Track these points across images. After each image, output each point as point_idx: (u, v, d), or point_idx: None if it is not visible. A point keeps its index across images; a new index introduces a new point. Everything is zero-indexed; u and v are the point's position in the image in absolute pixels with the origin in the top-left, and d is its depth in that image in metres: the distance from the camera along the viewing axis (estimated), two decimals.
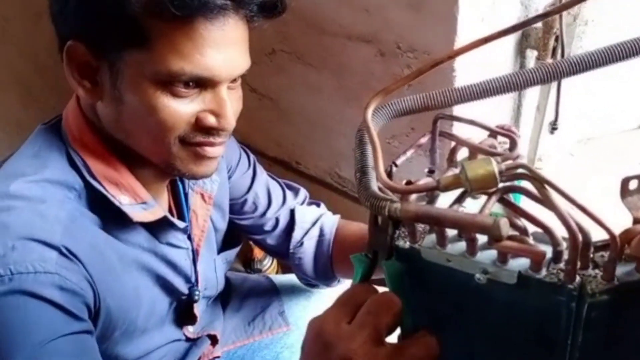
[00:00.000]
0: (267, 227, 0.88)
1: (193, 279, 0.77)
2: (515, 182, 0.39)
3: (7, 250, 0.54)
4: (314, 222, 0.89)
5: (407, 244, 0.40)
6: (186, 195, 0.75)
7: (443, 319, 0.43)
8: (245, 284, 1.01)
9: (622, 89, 1.12)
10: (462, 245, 0.37)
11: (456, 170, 0.43)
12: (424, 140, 0.48)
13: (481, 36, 0.43)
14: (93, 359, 0.60)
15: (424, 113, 0.47)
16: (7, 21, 1.76)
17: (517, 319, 0.39)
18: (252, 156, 0.89)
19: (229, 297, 0.98)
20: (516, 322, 0.39)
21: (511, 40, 0.94)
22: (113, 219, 0.63)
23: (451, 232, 0.38)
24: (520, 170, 0.36)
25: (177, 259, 0.73)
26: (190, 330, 0.82)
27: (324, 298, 0.97)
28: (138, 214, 0.63)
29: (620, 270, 0.34)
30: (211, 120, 0.60)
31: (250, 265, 1.49)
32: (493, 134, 0.46)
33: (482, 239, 0.37)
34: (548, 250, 0.35)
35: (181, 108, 0.58)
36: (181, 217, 0.74)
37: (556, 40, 0.90)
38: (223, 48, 0.57)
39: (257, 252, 1.48)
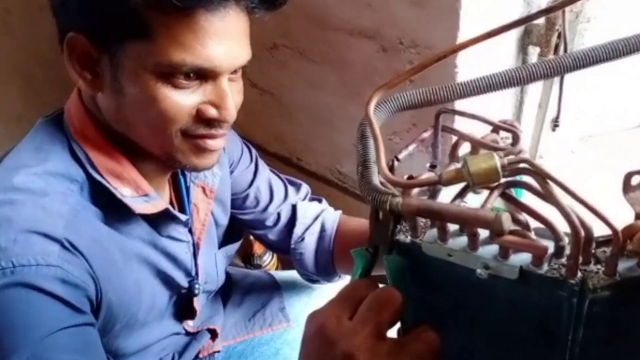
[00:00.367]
0: (269, 222, 0.88)
1: (193, 273, 0.77)
2: (518, 177, 0.39)
3: (9, 243, 0.54)
4: (316, 217, 0.89)
5: (409, 239, 0.40)
6: (187, 188, 0.75)
7: (444, 314, 0.43)
8: (246, 280, 1.01)
9: (624, 87, 1.12)
10: (463, 240, 0.37)
11: (458, 165, 0.43)
12: (426, 135, 0.48)
13: (483, 32, 0.43)
14: (95, 352, 0.60)
15: (426, 109, 0.46)
16: (8, 14, 1.75)
17: (518, 314, 0.38)
18: (254, 152, 0.89)
19: (230, 292, 0.98)
20: (517, 317, 0.39)
21: (513, 36, 0.94)
22: (115, 212, 0.63)
23: (453, 227, 0.38)
24: (522, 165, 0.36)
25: (177, 252, 0.73)
26: (190, 325, 0.82)
27: (325, 294, 0.97)
28: (140, 206, 0.63)
29: (622, 265, 0.34)
30: (212, 111, 0.60)
31: (250, 260, 1.49)
32: (496, 129, 0.46)
33: (483, 233, 0.37)
34: (550, 246, 0.35)
35: (182, 99, 0.58)
36: (182, 211, 0.74)
37: (558, 37, 0.89)
38: (224, 39, 0.57)
39: (257, 248, 1.48)
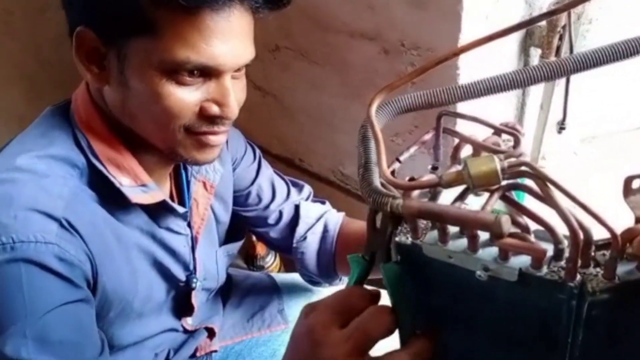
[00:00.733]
0: (271, 220, 0.88)
1: (191, 267, 0.77)
2: (519, 180, 0.39)
3: (10, 220, 0.56)
4: (318, 218, 0.89)
5: (409, 240, 0.40)
6: (188, 182, 0.76)
7: (444, 316, 0.44)
8: (246, 281, 1.01)
9: (626, 88, 1.12)
10: (463, 242, 0.37)
11: (459, 167, 0.43)
12: (427, 137, 0.48)
13: (485, 34, 0.43)
14: (90, 330, 0.62)
15: (428, 111, 0.47)
16: (10, 15, 1.76)
17: (518, 317, 0.39)
18: (257, 151, 0.90)
19: (229, 293, 0.98)
20: (517, 320, 0.39)
21: (515, 38, 0.94)
22: (113, 200, 0.64)
23: (453, 229, 0.38)
24: (522, 168, 0.36)
25: (175, 245, 0.74)
26: (189, 322, 0.83)
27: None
28: (137, 196, 0.65)
29: (622, 269, 0.34)
30: (215, 109, 0.61)
31: (252, 262, 1.49)
32: (497, 131, 0.46)
33: (483, 236, 0.37)
34: (549, 248, 0.35)
35: (185, 96, 0.59)
36: (182, 205, 0.75)
37: (560, 38, 0.89)
38: (228, 38, 0.57)
39: (260, 249, 1.48)
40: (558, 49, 0.91)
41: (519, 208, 0.37)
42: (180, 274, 0.76)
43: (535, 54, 0.96)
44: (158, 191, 0.67)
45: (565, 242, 0.34)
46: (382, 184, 0.40)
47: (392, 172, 0.46)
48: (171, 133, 0.61)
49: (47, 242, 0.56)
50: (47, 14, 1.41)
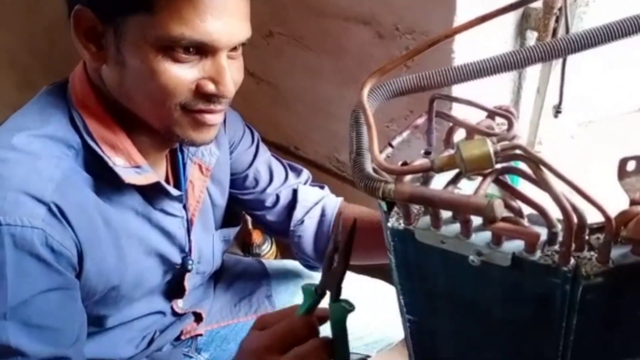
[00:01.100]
0: (268, 203, 0.88)
1: (187, 249, 0.78)
2: (513, 163, 0.38)
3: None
4: (317, 202, 0.89)
5: (402, 226, 0.39)
6: (184, 165, 0.76)
7: (437, 302, 0.43)
8: (237, 267, 1.02)
9: (623, 72, 1.11)
10: (456, 227, 0.37)
11: (452, 151, 0.42)
12: (420, 121, 0.48)
13: (480, 15, 0.42)
14: (71, 316, 0.63)
15: (423, 96, 0.46)
16: (3, 5, 1.74)
17: (512, 302, 0.38)
18: (256, 134, 0.90)
19: (220, 277, 0.98)
20: (510, 305, 0.39)
21: (511, 21, 0.92)
22: (107, 181, 0.64)
23: (446, 214, 0.38)
24: (516, 151, 0.35)
25: (171, 227, 0.74)
26: (179, 305, 0.83)
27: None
28: (130, 176, 0.65)
29: (616, 252, 0.34)
30: (210, 87, 0.61)
31: (248, 250, 1.49)
32: (491, 114, 0.45)
33: (476, 220, 0.36)
34: (543, 232, 0.34)
35: (181, 73, 0.59)
36: (178, 187, 0.75)
37: (556, 21, 0.88)
38: (223, 15, 0.58)
39: (256, 237, 1.48)
40: (554, 31, 0.90)
41: (512, 192, 0.37)
42: (175, 256, 0.76)
43: (531, 36, 0.95)
44: (152, 173, 0.67)
45: (559, 226, 0.34)
46: (375, 169, 0.39)
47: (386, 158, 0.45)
48: (167, 111, 0.61)
49: (33, 227, 0.57)
50: (40, 4, 1.39)
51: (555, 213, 0.34)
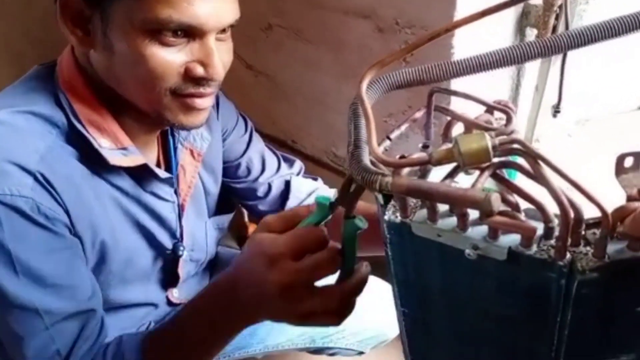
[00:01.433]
0: (260, 193, 0.88)
1: (178, 234, 0.77)
2: (510, 158, 0.38)
3: None
4: (309, 193, 0.89)
5: (398, 219, 0.39)
6: (175, 149, 0.76)
7: (433, 294, 0.43)
8: (233, 259, 1.01)
9: (621, 70, 1.11)
10: (453, 220, 0.37)
11: (450, 145, 0.42)
12: (418, 114, 0.47)
13: (479, 10, 0.42)
14: (82, 273, 0.63)
15: (422, 90, 0.46)
16: None
17: (507, 295, 0.38)
18: (250, 123, 0.90)
19: (216, 270, 0.98)
20: (506, 299, 0.39)
21: (511, 18, 0.92)
22: (94, 162, 0.64)
23: (443, 207, 0.38)
24: (514, 146, 0.35)
25: (162, 211, 0.74)
26: (175, 295, 0.83)
27: None
28: (116, 158, 0.64)
29: (612, 248, 0.34)
30: (200, 70, 0.60)
31: (244, 242, 1.48)
32: (489, 109, 0.45)
33: (473, 214, 0.36)
34: (539, 227, 0.34)
35: (169, 57, 0.59)
36: (169, 171, 0.75)
37: (556, 18, 0.88)
38: None
39: (252, 230, 1.48)
40: (554, 28, 0.90)
41: (509, 186, 0.37)
42: (166, 241, 0.76)
43: (531, 34, 0.95)
44: (139, 155, 0.67)
45: (556, 221, 0.34)
46: (372, 162, 0.39)
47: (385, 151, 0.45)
48: (157, 95, 0.61)
49: (22, 196, 0.57)
50: None
51: (551, 208, 0.34)
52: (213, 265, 0.93)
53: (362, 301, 1.01)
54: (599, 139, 1.17)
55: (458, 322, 0.45)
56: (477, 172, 0.37)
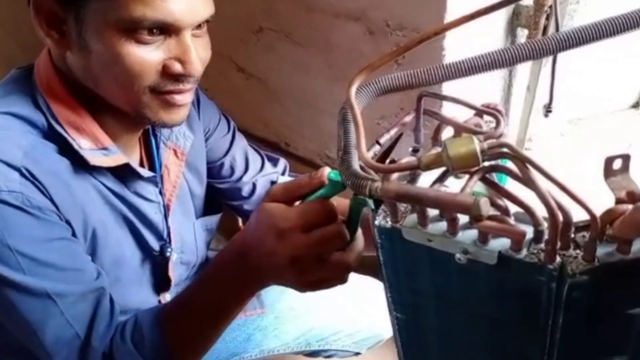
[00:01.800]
0: (245, 193, 0.88)
1: (165, 235, 0.77)
2: (500, 162, 0.38)
3: None
4: None
5: (389, 224, 0.39)
6: (158, 149, 0.76)
7: (424, 298, 0.43)
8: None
9: (613, 69, 1.11)
10: (443, 225, 0.37)
11: (440, 149, 0.42)
12: (408, 118, 0.47)
13: (470, 12, 0.42)
14: (84, 258, 0.64)
15: (414, 93, 0.46)
16: None
17: (498, 299, 0.38)
18: (232, 123, 0.90)
19: None
20: (497, 302, 0.39)
21: (502, 18, 0.92)
22: (76, 162, 0.64)
23: (433, 212, 0.38)
24: (502, 149, 0.35)
25: (147, 211, 0.73)
26: (167, 299, 0.82)
27: None
28: (97, 159, 0.64)
29: (601, 251, 0.34)
30: (178, 67, 0.60)
31: None
32: (478, 112, 0.45)
33: (463, 218, 0.36)
34: (529, 231, 0.34)
35: (146, 55, 0.59)
36: (153, 172, 0.74)
37: (547, 18, 0.88)
38: None
39: None
40: (545, 29, 0.90)
41: (498, 190, 0.37)
42: (153, 242, 0.76)
43: (522, 34, 0.95)
44: (120, 154, 0.67)
45: (545, 224, 0.34)
46: (362, 167, 0.39)
47: (378, 156, 0.45)
48: (136, 94, 0.61)
49: (11, 191, 0.57)
50: None
51: (541, 211, 0.34)
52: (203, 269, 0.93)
53: (356, 302, 1.01)
54: (592, 138, 1.17)
55: (450, 327, 0.44)
56: (466, 176, 0.37)
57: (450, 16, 0.83)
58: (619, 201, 0.35)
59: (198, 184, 0.84)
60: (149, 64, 0.59)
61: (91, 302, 0.63)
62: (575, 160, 1.12)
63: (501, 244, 0.35)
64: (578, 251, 0.34)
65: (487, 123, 0.47)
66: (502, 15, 0.92)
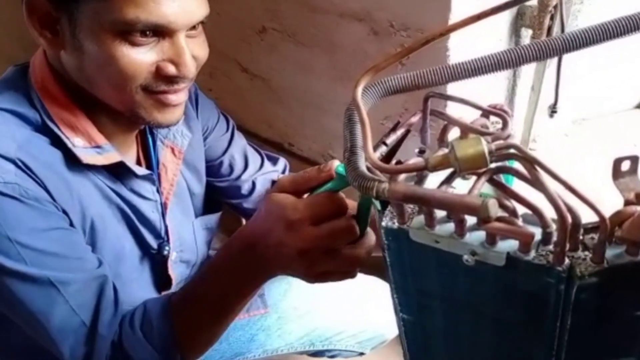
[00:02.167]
0: (244, 191, 0.88)
1: (163, 234, 0.77)
2: (507, 163, 0.38)
3: None
4: None
5: (396, 225, 0.39)
6: (155, 147, 0.76)
7: (431, 300, 0.43)
8: None
9: (617, 70, 1.11)
10: (450, 226, 0.37)
11: (446, 150, 0.42)
12: (414, 119, 0.47)
13: (475, 13, 0.42)
14: (87, 247, 0.64)
15: (418, 93, 0.46)
16: None
17: (505, 301, 0.38)
18: (231, 122, 0.90)
19: None
20: (504, 304, 0.39)
21: (506, 19, 0.92)
22: (70, 159, 0.64)
23: (440, 213, 0.38)
24: (510, 150, 0.35)
25: (144, 209, 0.73)
26: None
27: (305, 285, 0.96)
28: (90, 157, 0.64)
29: (610, 252, 0.34)
30: (171, 69, 0.60)
31: None
32: (485, 113, 0.45)
33: (471, 220, 0.36)
34: (537, 232, 0.34)
35: (140, 57, 0.59)
36: (151, 170, 0.75)
37: (551, 18, 0.88)
38: None
39: None
40: (549, 29, 0.89)
41: (506, 191, 0.36)
42: (151, 240, 0.76)
43: (526, 34, 0.95)
44: (114, 152, 0.67)
45: (553, 226, 0.34)
46: (368, 168, 0.39)
47: (382, 157, 0.45)
48: (129, 94, 0.61)
49: (7, 182, 0.57)
50: None
51: (549, 213, 0.34)
52: None
53: (360, 302, 1.00)
54: (596, 138, 1.17)
55: (457, 328, 0.44)
56: (473, 177, 0.37)
57: (454, 16, 0.83)
58: (627, 203, 0.35)
59: (197, 182, 0.84)
60: (142, 65, 0.59)
61: (95, 290, 0.63)
62: (579, 160, 1.12)
63: (509, 245, 0.35)
64: (587, 253, 0.34)
65: (493, 124, 0.46)
66: (506, 16, 0.92)
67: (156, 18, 0.56)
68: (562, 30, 0.88)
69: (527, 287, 0.36)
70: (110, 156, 0.66)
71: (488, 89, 0.98)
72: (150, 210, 0.74)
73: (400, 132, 0.46)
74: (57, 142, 0.63)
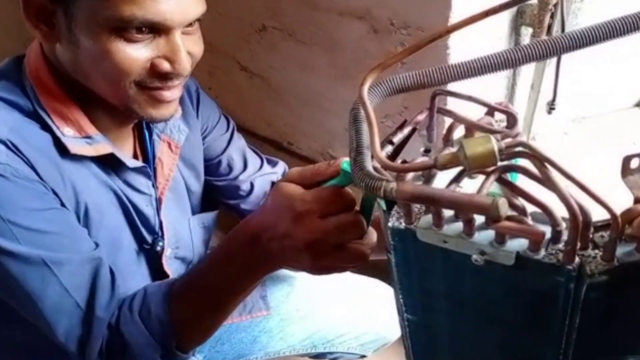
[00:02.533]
0: (242, 191, 0.88)
1: (157, 229, 0.77)
2: (512, 161, 0.38)
3: None
4: None
5: (403, 225, 0.39)
6: (152, 141, 0.75)
7: (437, 301, 0.43)
8: None
9: (617, 68, 1.11)
10: (459, 225, 0.37)
11: (453, 149, 0.42)
12: (421, 117, 0.47)
13: (476, 11, 0.42)
14: (79, 228, 0.63)
15: (418, 91, 0.45)
16: None
17: (514, 300, 0.38)
18: (232, 122, 0.89)
19: None
20: (513, 303, 0.38)
21: (506, 17, 0.92)
22: (60, 148, 0.64)
23: (448, 213, 0.37)
24: (520, 149, 0.35)
25: (138, 203, 0.73)
26: None
27: (307, 286, 0.96)
28: (79, 147, 0.64)
29: (621, 250, 0.33)
30: (166, 66, 0.60)
31: None
32: (492, 111, 0.45)
33: (479, 219, 0.36)
34: (547, 231, 0.34)
35: (135, 53, 0.59)
36: (147, 164, 0.74)
37: (551, 17, 0.88)
38: None
39: None
40: (549, 27, 0.89)
41: (514, 190, 0.36)
42: (146, 234, 0.75)
43: (526, 32, 0.95)
44: (105, 144, 0.66)
45: (564, 224, 0.34)
46: (375, 168, 0.38)
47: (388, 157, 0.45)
48: (123, 89, 0.61)
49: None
50: None
51: (558, 211, 0.34)
52: None
53: (362, 304, 1.00)
54: (595, 136, 1.17)
55: (463, 328, 0.44)
56: (481, 176, 0.37)
57: (455, 15, 0.82)
58: (637, 200, 0.34)
59: (195, 180, 0.84)
60: (137, 61, 0.59)
61: (90, 272, 0.62)
62: (578, 158, 1.12)
63: (519, 244, 0.35)
64: (597, 251, 0.34)
65: (497, 122, 0.46)
66: (506, 14, 0.91)
67: (152, 15, 0.56)
68: (562, 28, 0.88)
69: (536, 287, 0.36)
70: (100, 147, 0.66)
71: (487, 87, 0.98)
72: (144, 204, 0.74)
73: (407, 130, 0.46)
74: (48, 130, 0.63)
